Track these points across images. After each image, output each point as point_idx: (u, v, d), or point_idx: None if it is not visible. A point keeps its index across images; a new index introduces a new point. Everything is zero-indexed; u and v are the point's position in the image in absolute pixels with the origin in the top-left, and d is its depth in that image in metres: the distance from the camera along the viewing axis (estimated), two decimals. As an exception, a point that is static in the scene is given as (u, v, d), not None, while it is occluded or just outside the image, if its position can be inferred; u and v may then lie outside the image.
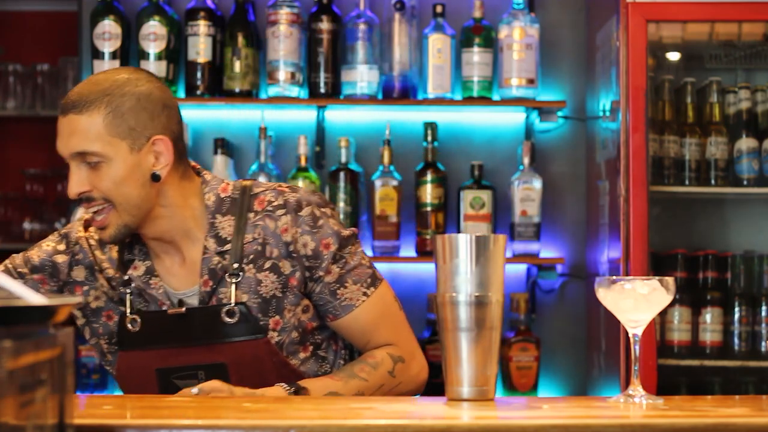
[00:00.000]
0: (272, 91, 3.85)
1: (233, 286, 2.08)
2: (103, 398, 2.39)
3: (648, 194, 3.42)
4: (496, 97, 3.93)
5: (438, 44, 3.88)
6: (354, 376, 2.07)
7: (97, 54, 3.87)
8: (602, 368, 3.66)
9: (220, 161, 3.88)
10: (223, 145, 3.88)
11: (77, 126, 2.00)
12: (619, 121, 3.45)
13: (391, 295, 2.15)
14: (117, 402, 1.93)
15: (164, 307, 2.10)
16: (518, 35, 3.87)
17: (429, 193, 3.86)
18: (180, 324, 2.09)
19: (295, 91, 3.86)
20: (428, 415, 1.56)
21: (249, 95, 3.87)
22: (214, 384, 1.98)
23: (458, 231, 3.84)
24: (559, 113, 3.99)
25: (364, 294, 2.10)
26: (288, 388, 2.00)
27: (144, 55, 3.87)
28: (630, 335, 1.82)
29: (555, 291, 4.01)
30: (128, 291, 2.12)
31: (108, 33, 3.86)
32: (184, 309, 2.09)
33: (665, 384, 3.39)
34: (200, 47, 3.88)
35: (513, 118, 4.04)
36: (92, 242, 2.17)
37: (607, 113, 3.63)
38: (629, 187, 3.42)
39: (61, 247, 2.18)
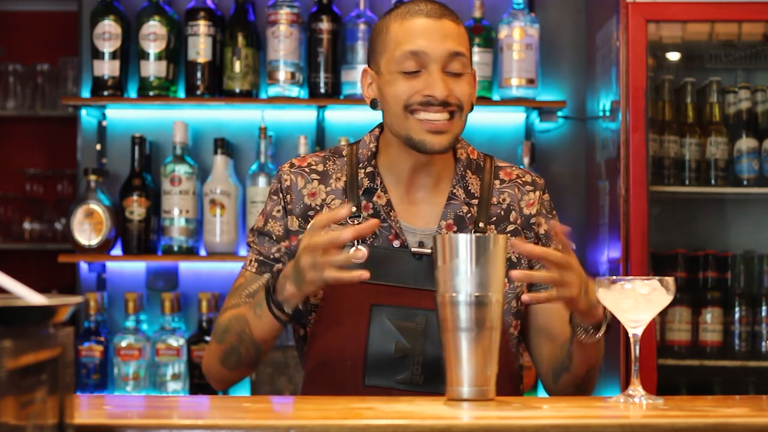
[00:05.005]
0: (272, 91, 3.85)
1: None
2: (103, 398, 2.40)
3: (648, 194, 3.42)
4: (496, 97, 3.93)
5: (438, 44, 3.87)
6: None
7: (97, 54, 3.87)
8: (602, 368, 3.65)
9: (220, 161, 3.87)
10: (223, 145, 3.88)
11: (453, 31, 2.08)
12: (619, 121, 3.45)
13: None
14: (117, 402, 1.93)
15: (395, 243, 2.11)
16: (518, 35, 3.87)
17: (429, 193, 3.86)
18: (410, 263, 2.10)
19: (295, 91, 3.86)
20: (428, 415, 1.56)
21: (249, 95, 3.87)
22: None
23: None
24: (559, 113, 3.99)
25: None
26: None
27: (144, 55, 3.87)
28: (630, 335, 1.82)
29: (555, 291, 4.01)
30: (355, 223, 2.09)
31: (108, 33, 3.86)
32: (430, 249, 2.08)
33: (665, 384, 3.39)
34: (200, 47, 3.88)
35: (513, 118, 4.04)
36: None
37: (607, 113, 3.63)
38: (629, 187, 3.42)
39: (278, 208, 2.16)
